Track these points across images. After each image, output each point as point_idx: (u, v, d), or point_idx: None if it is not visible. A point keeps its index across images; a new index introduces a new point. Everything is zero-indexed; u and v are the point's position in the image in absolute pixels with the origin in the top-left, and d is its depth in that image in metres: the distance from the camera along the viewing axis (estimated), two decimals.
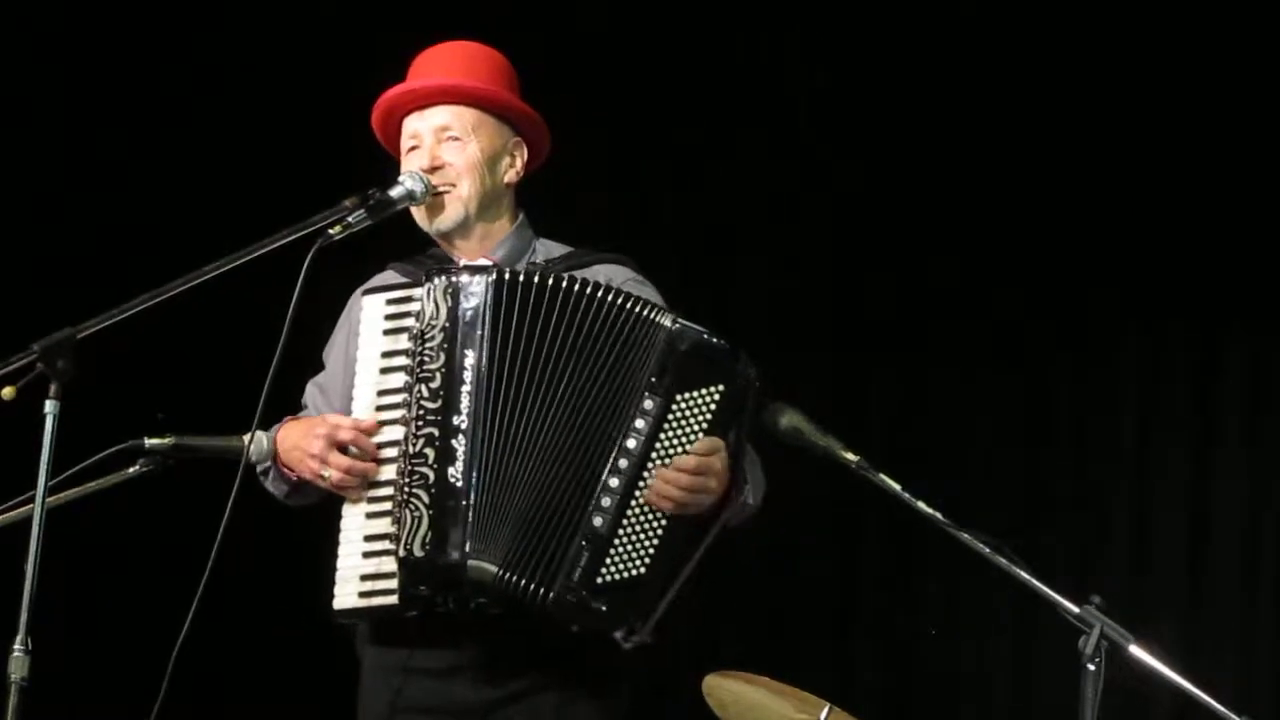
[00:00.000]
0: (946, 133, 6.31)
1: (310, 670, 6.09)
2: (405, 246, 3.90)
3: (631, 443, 3.47)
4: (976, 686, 6.28)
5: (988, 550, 3.50)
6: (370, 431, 3.58)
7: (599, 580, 3.43)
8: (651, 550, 3.44)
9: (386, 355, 3.61)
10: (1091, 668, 3.35)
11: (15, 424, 3.34)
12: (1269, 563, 6.02)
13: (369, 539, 3.57)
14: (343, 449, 3.58)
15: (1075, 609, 3.41)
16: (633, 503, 3.45)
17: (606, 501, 3.45)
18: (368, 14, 6.35)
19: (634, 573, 3.44)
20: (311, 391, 3.84)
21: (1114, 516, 6.20)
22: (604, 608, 3.43)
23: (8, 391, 3.23)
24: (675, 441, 3.46)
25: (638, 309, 3.52)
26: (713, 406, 3.47)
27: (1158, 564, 6.12)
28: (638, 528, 3.45)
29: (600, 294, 3.53)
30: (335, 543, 3.62)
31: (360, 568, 3.57)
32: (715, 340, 3.51)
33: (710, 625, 5.79)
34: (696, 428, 3.47)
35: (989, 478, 6.27)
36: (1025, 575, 3.47)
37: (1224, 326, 6.16)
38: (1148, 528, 6.16)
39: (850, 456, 3.58)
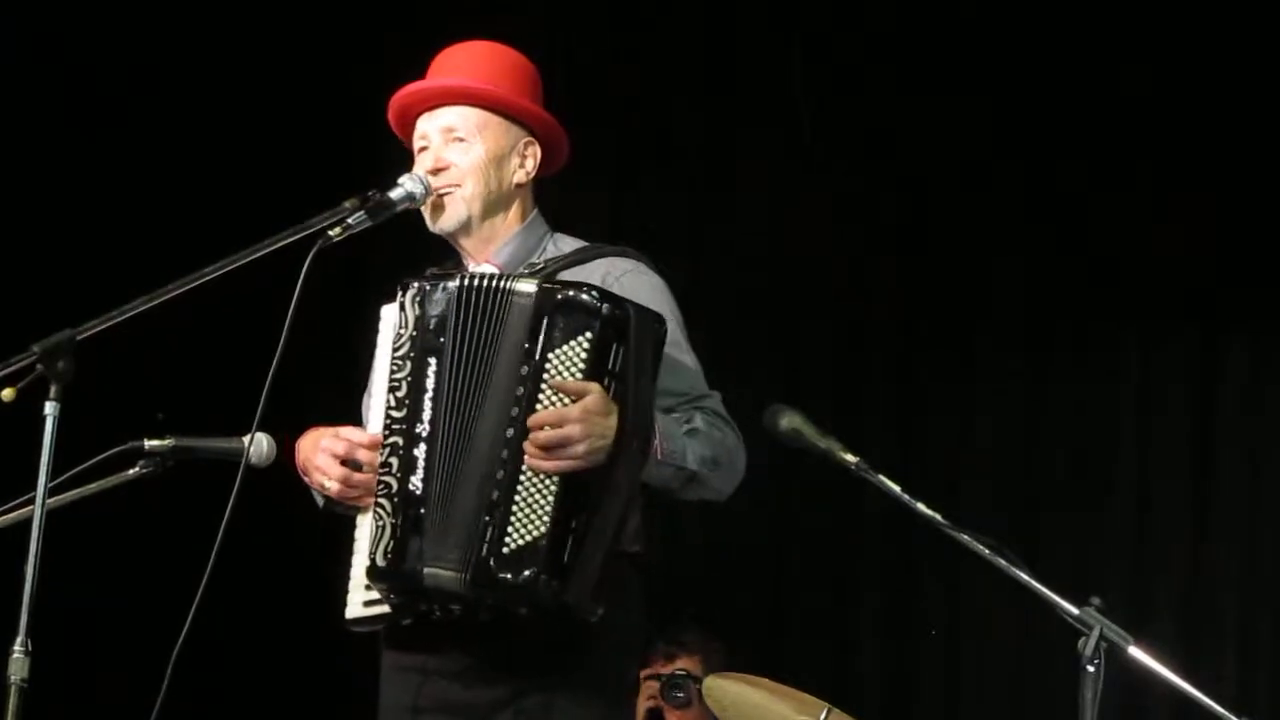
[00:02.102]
0: (942, 132, 6.30)
1: (310, 671, 6.11)
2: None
3: (515, 410, 3.45)
4: (976, 686, 6.28)
5: (987, 551, 3.49)
6: (374, 445, 3.58)
7: (504, 551, 3.40)
8: (548, 510, 3.40)
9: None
10: (1091, 669, 3.35)
11: (15, 424, 3.34)
12: (1269, 562, 6.02)
13: None
14: (344, 461, 3.60)
15: (1075, 610, 3.41)
16: (523, 468, 3.43)
17: (500, 474, 3.44)
18: (371, 13, 6.36)
19: (533, 535, 3.40)
20: (365, 400, 3.84)
21: (1114, 516, 6.19)
22: (510, 576, 3.40)
23: (8, 393, 3.22)
24: (553, 401, 3.43)
25: (507, 284, 3.51)
26: (583, 356, 3.43)
27: (1158, 564, 6.12)
28: (531, 491, 3.41)
29: (493, 282, 3.52)
30: (348, 550, 3.65)
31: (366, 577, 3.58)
32: (574, 293, 3.46)
33: (711, 627, 5.78)
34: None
35: (989, 478, 6.26)
36: (1025, 576, 3.47)
37: (1224, 327, 6.15)
38: (1148, 527, 6.16)
39: (850, 458, 3.58)
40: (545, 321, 3.45)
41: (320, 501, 3.75)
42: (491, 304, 3.51)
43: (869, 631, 6.41)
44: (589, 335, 3.43)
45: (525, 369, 3.45)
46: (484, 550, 3.42)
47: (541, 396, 3.44)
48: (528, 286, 3.49)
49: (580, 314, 3.44)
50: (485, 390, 3.49)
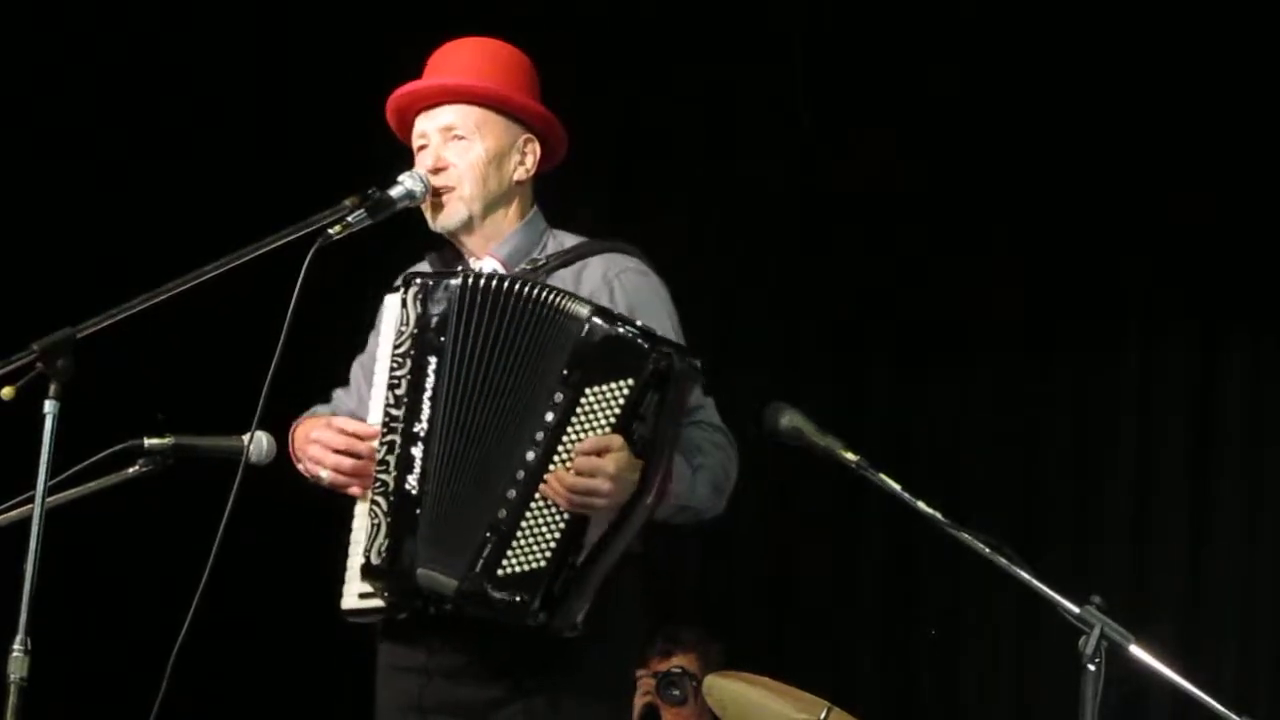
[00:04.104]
0: (944, 134, 6.30)
1: (310, 668, 6.11)
2: None
3: (540, 435, 3.43)
4: (976, 686, 6.28)
5: (987, 550, 3.49)
6: (370, 436, 3.58)
7: (499, 572, 3.41)
8: (553, 543, 3.40)
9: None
10: (1092, 668, 3.35)
11: (15, 424, 3.34)
12: (1269, 563, 6.02)
13: None
14: (338, 452, 3.59)
15: (1075, 609, 3.40)
16: (536, 496, 3.42)
17: (511, 494, 3.43)
18: (373, 13, 6.36)
19: (534, 565, 3.40)
20: (354, 369, 3.84)
21: (1114, 516, 6.19)
22: (500, 598, 3.41)
23: (7, 391, 3.22)
24: (581, 436, 3.41)
25: (557, 300, 3.48)
26: (620, 401, 3.41)
27: (1158, 563, 6.12)
28: (541, 521, 3.41)
29: (530, 290, 3.50)
30: (346, 544, 3.64)
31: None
32: (627, 333, 3.44)
33: (710, 626, 5.78)
34: (603, 422, 3.41)
35: (989, 478, 6.26)
36: (1025, 575, 3.47)
37: (1224, 326, 6.15)
38: (1148, 528, 6.15)
39: (850, 456, 3.57)
40: (591, 353, 3.42)
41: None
42: (500, 307, 3.49)
43: (869, 631, 6.41)
44: (630, 381, 3.40)
45: (559, 396, 3.43)
46: (479, 566, 3.43)
47: (571, 430, 3.42)
48: (582, 310, 3.45)
49: (626, 356, 3.42)
50: (501, 399, 3.48)
